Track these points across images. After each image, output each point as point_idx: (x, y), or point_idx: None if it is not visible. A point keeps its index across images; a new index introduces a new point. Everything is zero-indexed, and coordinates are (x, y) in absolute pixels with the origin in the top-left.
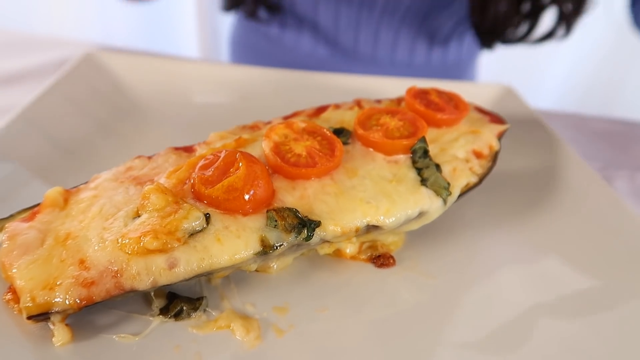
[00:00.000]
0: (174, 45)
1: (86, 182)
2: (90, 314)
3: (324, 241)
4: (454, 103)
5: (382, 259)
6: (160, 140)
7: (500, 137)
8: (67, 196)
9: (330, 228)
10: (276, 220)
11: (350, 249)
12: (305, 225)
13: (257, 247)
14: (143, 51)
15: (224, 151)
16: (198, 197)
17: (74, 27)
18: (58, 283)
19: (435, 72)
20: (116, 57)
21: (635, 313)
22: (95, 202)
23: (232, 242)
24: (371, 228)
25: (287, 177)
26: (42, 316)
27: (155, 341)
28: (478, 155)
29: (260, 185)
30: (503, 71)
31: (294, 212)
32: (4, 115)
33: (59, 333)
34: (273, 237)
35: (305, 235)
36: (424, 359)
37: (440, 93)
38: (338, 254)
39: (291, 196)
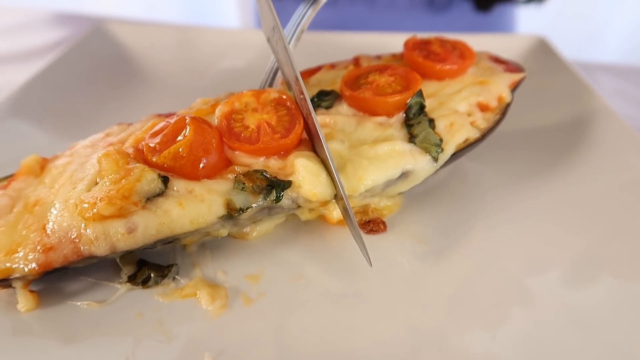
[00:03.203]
0: (216, 19)
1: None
2: (59, 281)
3: (299, 205)
4: (459, 52)
5: (371, 225)
6: (165, 107)
7: (515, 87)
8: (44, 164)
9: (304, 188)
10: (244, 183)
11: (336, 213)
12: (274, 186)
13: (222, 211)
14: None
15: (175, 116)
16: (148, 164)
17: (120, 3)
18: (19, 249)
19: (460, 14)
20: (124, 27)
21: None
22: (67, 168)
23: (195, 206)
24: None
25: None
26: (5, 282)
27: (118, 309)
28: (483, 108)
29: (210, 151)
30: (564, 22)
31: (262, 173)
32: None
33: (23, 299)
34: (240, 200)
35: (275, 197)
36: (398, 332)
37: (443, 42)
38: (324, 219)
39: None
